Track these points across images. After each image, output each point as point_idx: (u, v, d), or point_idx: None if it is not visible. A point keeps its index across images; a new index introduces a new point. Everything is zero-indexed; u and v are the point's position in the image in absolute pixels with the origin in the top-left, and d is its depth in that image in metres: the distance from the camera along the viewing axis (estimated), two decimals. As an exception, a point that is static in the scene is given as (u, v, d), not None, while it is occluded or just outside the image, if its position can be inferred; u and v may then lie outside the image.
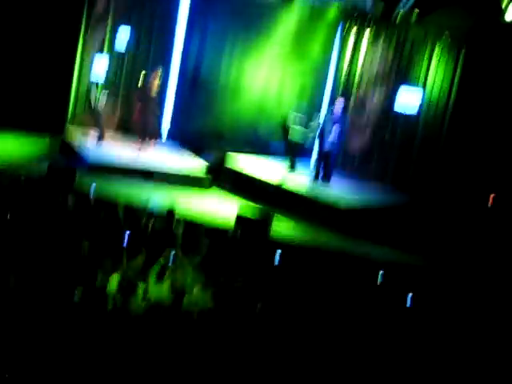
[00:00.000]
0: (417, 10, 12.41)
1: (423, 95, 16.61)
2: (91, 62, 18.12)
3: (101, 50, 18.10)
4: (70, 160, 16.27)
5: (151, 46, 18.61)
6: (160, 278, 9.34)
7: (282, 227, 14.54)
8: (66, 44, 18.18)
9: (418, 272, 12.58)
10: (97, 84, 17.80)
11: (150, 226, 11.72)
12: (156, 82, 17.03)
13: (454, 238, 14.52)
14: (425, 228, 14.87)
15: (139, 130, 17.32)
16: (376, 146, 17.64)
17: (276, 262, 10.74)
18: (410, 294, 10.16)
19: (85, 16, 17.91)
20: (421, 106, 16.53)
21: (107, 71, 18.20)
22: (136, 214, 11.88)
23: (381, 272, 10.98)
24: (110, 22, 18.11)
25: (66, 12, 18.03)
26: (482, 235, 14.62)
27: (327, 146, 16.13)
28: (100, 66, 17.84)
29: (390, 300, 10.13)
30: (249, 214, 13.45)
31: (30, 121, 17.88)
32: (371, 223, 14.90)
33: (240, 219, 13.75)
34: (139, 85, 17.17)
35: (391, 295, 10.29)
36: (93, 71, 17.87)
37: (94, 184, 13.74)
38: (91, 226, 11.03)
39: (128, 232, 10.88)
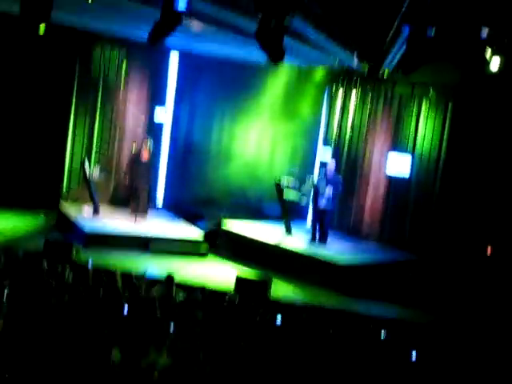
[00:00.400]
0: (400, 70, 12.61)
1: (413, 158, 16.70)
2: (83, 137, 18.34)
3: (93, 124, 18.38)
4: (66, 234, 16.30)
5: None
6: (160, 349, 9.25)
7: (282, 289, 14.50)
8: (57, 122, 18.40)
9: (421, 329, 12.48)
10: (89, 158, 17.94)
11: (150, 293, 11.69)
12: (146, 149, 17.17)
13: (456, 293, 14.46)
14: (426, 284, 14.83)
15: (130, 196, 17.41)
16: (370, 204, 17.66)
17: (277, 323, 10.67)
18: (414, 352, 10.09)
19: (75, 93, 18.17)
20: (412, 164, 16.63)
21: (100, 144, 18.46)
22: (135, 284, 11.84)
23: (383, 330, 10.94)
24: (100, 94, 18.38)
25: (56, 90, 18.29)
26: (484, 287, 14.57)
27: (322, 208, 16.18)
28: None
29: (393, 358, 10.04)
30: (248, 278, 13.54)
31: (26, 198, 18.01)
32: (371, 280, 14.85)
33: (240, 281, 13.77)
34: (132, 152, 17.28)
35: (395, 353, 10.20)
36: None
37: (91, 257, 13.78)
38: (90, 297, 10.99)
39: (127, 303, 10.83)
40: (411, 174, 16.73)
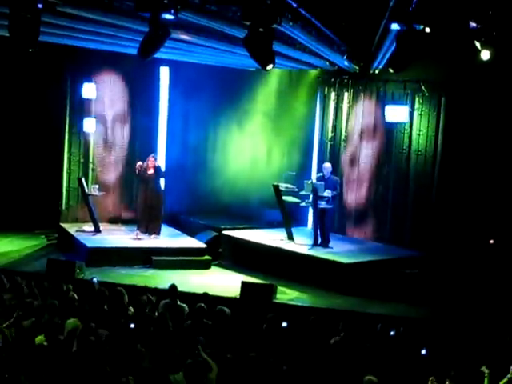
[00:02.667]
0: (391, 68, 12.61)
1: (410, 148, 16.75)
2: (79, 155, 18.33)
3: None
4: (67, 254, 16.31)
5: (136, 132, 18.91)
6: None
7: (287, 294, 14.52)
8: (52, 141, 18.48)
9: (429, 326, 12.46)
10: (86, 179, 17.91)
11: (154, 308, 11.69)
12: (151, 164, 17.00)
13: (461, 288, 14.44)
14: (430, 280, 14.82)
15: (143, 213, 17.22)
16: (370, 204, 17.66)
17: (283, 326, 10.67)
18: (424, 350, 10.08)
19: (68, 111, 18.21)
20: (410, 156, 16.71)
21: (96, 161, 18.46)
22: (139, 298, 11.84)
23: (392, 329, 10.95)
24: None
25: (49, 110, 18.42)
26: (488, 280, 14.56)
27: (322, 207, 16.22)
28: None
29: (403, 357, 10.04)
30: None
31: (26, 220, 18.12)
32: (376, 278, 14.85)
33: (245, 286, 13.83)
34: (137, 170, 17.11)
35: (404, 352, 10.20)
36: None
37: (93, 274, 13.81)
38: (97, 314, 10.99)
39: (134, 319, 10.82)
40: (408, 170, 16.74)
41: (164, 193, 17.78)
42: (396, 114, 16.33)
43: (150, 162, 16.98)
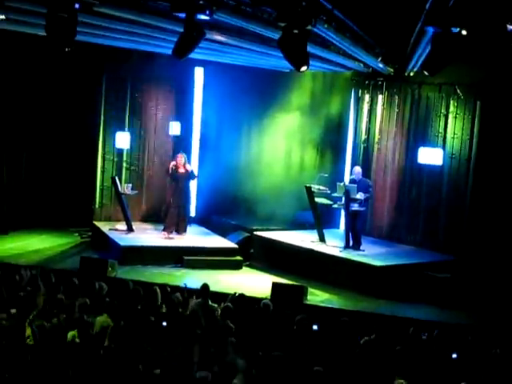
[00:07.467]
0: (426, 71, 12.49)
1: (444, 152, 16.63)
2: (112, 156, 18.47)
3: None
4: (100, 252, 16.42)
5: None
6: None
7: (318, 295, 14.52)
8: (87, 140, 18.60)
9: (462, 331, 12.37)
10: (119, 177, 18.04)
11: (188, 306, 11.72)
12: (181, 162, 17.03)
13: (494, 293, 14.34)
14: (463, 284, 14.73)
15: (167, 212, 17.27)
16: (403, 207, 17.58)
17: (314, 329, 10.65)
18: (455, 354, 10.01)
19: (103, 110, 18.37)
20: (443, 161, 16.58)
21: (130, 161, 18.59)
22: (173, 299, 11.88)
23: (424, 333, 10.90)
24: (127, 111, 18.56)
25: (84, 109, 18.56)
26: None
27: (354, 210, 16.20)
28: (123, 141, 18.38)
29: (434, 361, 9.98)
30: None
31: (60, 217, 18.28)
32: (408, 282, 14.79)
33: (276, 287, 13.84)
34: (169, 169, 17.12)
35: (436, 356, 10.14)
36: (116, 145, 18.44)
37: (126, 273, 13.90)
38: (130, 311, 11.05)
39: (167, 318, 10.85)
40: (442, 171, 16.64)
41: (191, 193, 17.99)
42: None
43: (179, 159, 17.01)
